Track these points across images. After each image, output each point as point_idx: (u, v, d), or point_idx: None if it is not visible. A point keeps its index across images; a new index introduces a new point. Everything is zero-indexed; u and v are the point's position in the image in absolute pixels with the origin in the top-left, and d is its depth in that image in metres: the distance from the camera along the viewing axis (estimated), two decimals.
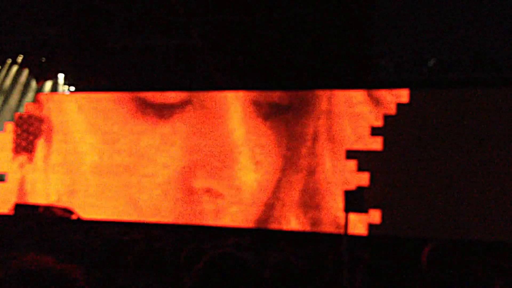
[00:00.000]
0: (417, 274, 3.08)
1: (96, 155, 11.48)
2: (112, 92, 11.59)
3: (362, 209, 7.92)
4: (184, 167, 10.92)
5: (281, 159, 10.42)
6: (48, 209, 10.98)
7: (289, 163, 10.38)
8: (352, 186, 9.71)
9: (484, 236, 9.07)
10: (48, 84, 12.99)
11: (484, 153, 9.31)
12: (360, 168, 9.93)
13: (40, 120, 11.93)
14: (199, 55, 11.01)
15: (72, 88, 12.61)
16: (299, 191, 10.27)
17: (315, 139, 10.27)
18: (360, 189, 9.25)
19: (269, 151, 10.48)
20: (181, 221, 10.76)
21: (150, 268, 3.33)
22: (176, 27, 10.98)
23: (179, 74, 11.21)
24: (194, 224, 10.59)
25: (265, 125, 10.58)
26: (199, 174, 10.84)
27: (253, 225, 10.36)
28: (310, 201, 10.16)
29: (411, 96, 9.82)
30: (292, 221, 10.24)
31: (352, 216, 8.96)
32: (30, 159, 11.95)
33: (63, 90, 12.70)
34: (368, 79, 10.58)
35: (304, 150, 10.30)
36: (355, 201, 7.75)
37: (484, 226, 9.13)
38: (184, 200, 10.88)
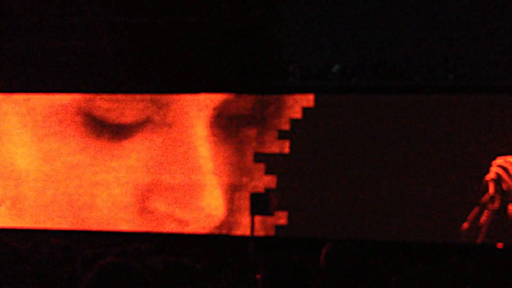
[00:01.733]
0: (318, 275, 3.17)
1: None
2: (7, 94, 11.04)
3: (268, 212, 8.07)
4: (85, 172, 10.59)
5: (186, 163, 10.35)
6: None
7: (195, 167, 10.34)
8: (259, 189, 9.86)
9: (385, 236, 9.52)
10: None
11: (386, 156, 9.77)
12: (268, 171, 10.09)
13: None
14: (105, 58, 10.70)
15: None
16: (204, 194, 10.25)
17: (225, 142, 10.31)
18: (266, 192, 9.43)
19: (174, 154, 10.39)
20: (82, 227, 10.42)
21: (45, 277, 3.21)
22: (81, 28, 10.62)
23: (83, 77, 10.84)
24: (95, 230, 10.30)
25: (175, 127, 10.48)
26: (105, 178, 10.55)
27: (158, 230, 10.22)
28: (215, 204, 10.17)
29: (316, 100, 10.12)
30: (199, 224, 10.19)
31: (259, 218, 9.10)
32: None
33: None
34: (275, 84, 10.79)
35: (211, 154, 10.30)
36: (261, 204, 7.87)
37: (385, 226, 9.58)
38: (86, 205, 10.53)
